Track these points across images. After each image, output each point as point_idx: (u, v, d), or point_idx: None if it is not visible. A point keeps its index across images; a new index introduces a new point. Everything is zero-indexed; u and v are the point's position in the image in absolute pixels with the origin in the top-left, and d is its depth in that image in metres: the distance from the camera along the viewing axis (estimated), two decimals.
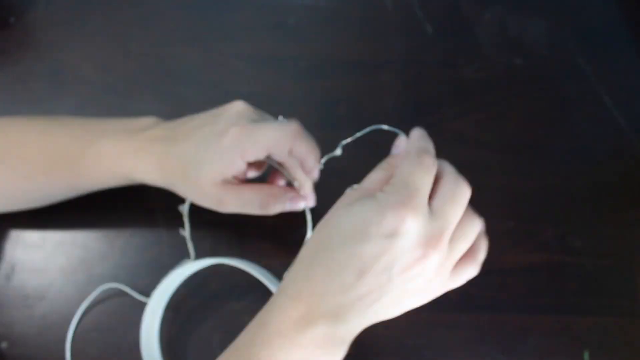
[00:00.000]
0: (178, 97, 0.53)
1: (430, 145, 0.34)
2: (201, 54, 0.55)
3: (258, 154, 0.36)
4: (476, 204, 0.49)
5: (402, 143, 0.35)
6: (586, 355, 0.44)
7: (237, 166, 0.36)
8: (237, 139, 0.35)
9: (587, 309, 0.46)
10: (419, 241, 0.29)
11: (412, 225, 0.29)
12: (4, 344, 0.43)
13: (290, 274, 0.31)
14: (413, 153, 0.32)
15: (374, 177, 0.33)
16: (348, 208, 0.31)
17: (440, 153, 0.51)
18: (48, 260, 0.45)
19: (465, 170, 0.51)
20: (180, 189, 0.39)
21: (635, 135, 0.52)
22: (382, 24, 0.57)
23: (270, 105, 0.48)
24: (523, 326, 0.45)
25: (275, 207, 0.38)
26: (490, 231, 0.48)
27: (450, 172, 0.33)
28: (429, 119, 0.52)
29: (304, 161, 0.38)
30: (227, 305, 0.45)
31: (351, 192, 0.33)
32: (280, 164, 0.39)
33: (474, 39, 0.56)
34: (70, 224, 0.47)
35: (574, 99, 0.54)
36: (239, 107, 0.37)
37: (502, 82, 0.54)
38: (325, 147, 0.52)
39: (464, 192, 0.31)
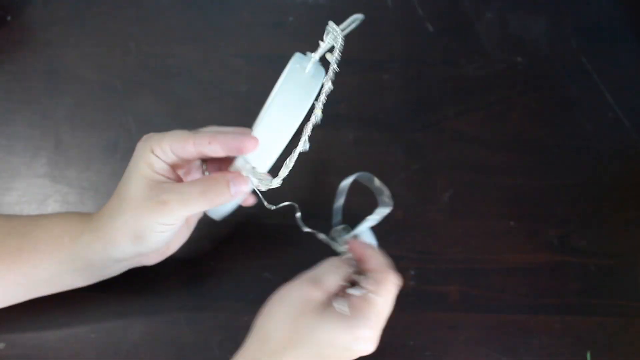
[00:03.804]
0: (177, 96, 0.53)
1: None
2: (200, 52, 0.54)
3: (164, 148, 0.37)
4: (477, 204, 0.50)
5: (368, 254, 0.40)
6: (589, 356, 0.44)
7: (153, 160, 0.37)
8: (145, 139, 0.38)
9: (590, 309, 0.45)
10: (369, 345, 0.37)
11: (367, 341, 0.36)
12: (2, 345, 0.43)
13: None
14: (392, 280, 0.38)
15: (336, 280, 0.38)
16: (322, 320, 0.35)
17: (441, 152, 0.52)
18: None
19: (466, 169, 0.51)
20: (126, 229, 0.37)
21: (638, 134, 0.52)
22: (382, 22, 0.56)
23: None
24: (525, 326, 0.45)
25: (217, 192, 0.37)
26: (491, 231, 0.49)
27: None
28: (429, 117, 0.52)
29: (223, 144, 0.37)
30: (227, 305, 0.45)
31: (313, 292, 0.36)
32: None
33: (475, 37, 0.56)
34: None
35: (576, 97, 0.53)
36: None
37: (503, 81, 0.54)
38: (325, 146, 0.52)
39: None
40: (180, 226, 0.38)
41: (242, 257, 0.46)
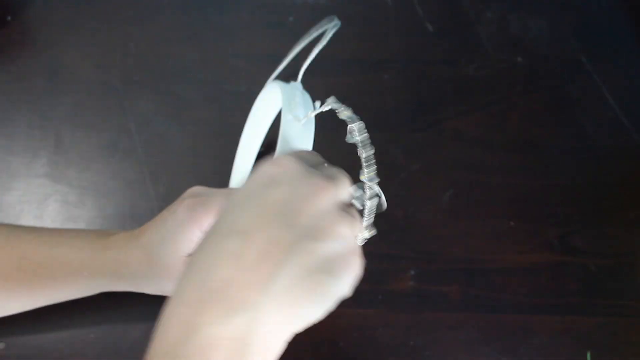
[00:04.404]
0: (177, 96, 0.53)
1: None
2: (200, 52, 0.54)
3: (212, 218, 0.35)
4: (477, 204, 0.49)
5: None
6: (589, 356, 0.44)
7: (196, 236, 0.35)
8: (190, 209, 0.35)
9: (590, 309, 0.45)
10: (303, 170, 0.29)
11: (290, 166, 0.29)
12: (2, 345, 0.43)
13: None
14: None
15: None
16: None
17: (441, 152, 0.52)
18: None
19: (466, 169, 0.51)
20: (149, 283, 0.38)
21: (638, 134, 0.52)
22: (382, 22, 0.56)
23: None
24: (525, 326, 0.45)
25: None
26: (491, 231, 0.48)
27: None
28: (429, 118, 0.52)
29: None
30: None
31: None
32: None
33: (475, 37, 0.56)
34: (67, 219, 0.47)
35: (576, 97, 0.53)
36: (193, 189, 0.38)
37: (503, 81, 0.54)
38: (324, 147, 0.52)
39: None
40: None
41: None
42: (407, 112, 0.52)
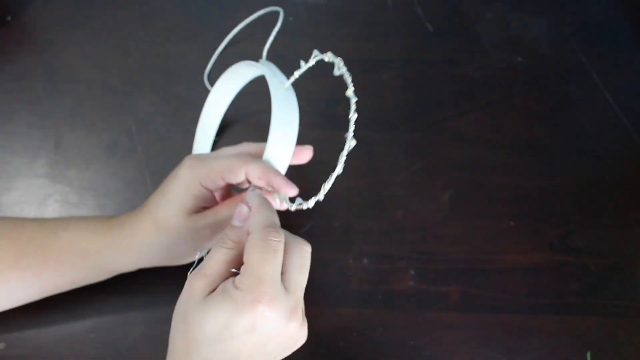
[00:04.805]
0: (177, 97, 0.53)
1: (272, 214, 0.33)
2: (201, 52, 0.54)
3: (214, 177, 0.36)
4: (477, 204, 0.50)
5: (243, 213, 0.35)
6: (589, 356, 0.44)
7: (199, 192, 0.37)
8: (191, 167, 0.37)
9: (590, 309, 0.45)
10: (281, 320, 0.31)
11: (271, 314, 0.30)
12: (2, 345, 0.43)
13: None
14: (258, 236, 0.31)
15: (217, 259, 0.32)
16: (205, 309, 0.30)
17: (441, 152, 0.52)
18: None
19: (466, 169, 0.51)
20: (158, 251, 0.38)
21: (638, 134, 0.52)
22: (382, 22, 0.56)
23: (269, 104, 0.48)
24: (525, 326, 0.45)
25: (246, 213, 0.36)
26: (491, 231, 0.49)
27: (291, 237, 0.33)
28: (429, 118, 0.52)
29: (269, 181, 0.36)
30: None
31: (196, 281, 0.32)
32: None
33: (475, 38, 0.56)
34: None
35: (576, 97, 0.53)
36: (189, 156, 0.39)
37: (503, 81, 0.54)
38: (324, 146, 0.52)
39: (308, 254, 0.33)
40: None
41: None
42: (407, 112, 0.52)
